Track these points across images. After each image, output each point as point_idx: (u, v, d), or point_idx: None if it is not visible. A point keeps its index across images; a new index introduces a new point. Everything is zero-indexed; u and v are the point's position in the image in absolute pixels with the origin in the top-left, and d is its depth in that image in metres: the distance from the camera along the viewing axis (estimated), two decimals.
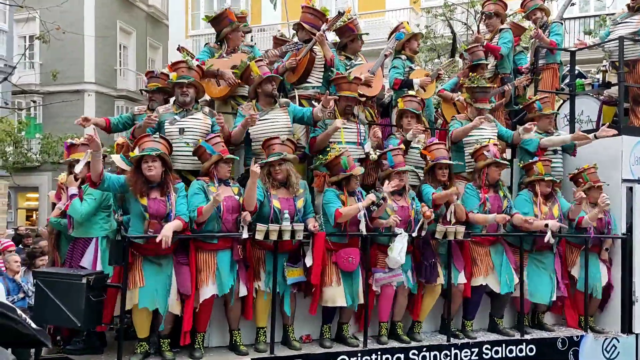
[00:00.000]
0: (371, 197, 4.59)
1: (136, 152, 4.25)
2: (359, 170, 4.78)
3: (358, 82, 5.29)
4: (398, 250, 4.65)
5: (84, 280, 3.86)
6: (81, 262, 4.47)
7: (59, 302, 3.88)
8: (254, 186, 4.29)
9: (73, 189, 4.51)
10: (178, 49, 5.94)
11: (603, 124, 6.44)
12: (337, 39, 6.04)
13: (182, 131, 4.67)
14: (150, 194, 4.20)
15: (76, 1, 18.74)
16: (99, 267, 4.43)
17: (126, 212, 4.55)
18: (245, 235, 4.29)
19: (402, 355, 4.79)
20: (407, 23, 6.38)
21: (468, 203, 5.17)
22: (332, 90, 5.28)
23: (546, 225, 5.12)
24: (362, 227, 4.60)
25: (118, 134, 5.68)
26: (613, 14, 6.78)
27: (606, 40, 6.49)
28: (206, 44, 5.84)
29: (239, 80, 5.27)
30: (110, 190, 4.30)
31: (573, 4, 7.67)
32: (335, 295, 4.59)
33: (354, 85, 5.22)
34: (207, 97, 5.50)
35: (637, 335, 5.66)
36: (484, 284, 5.18)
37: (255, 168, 4.26)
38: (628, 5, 6.37)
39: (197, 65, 4.97)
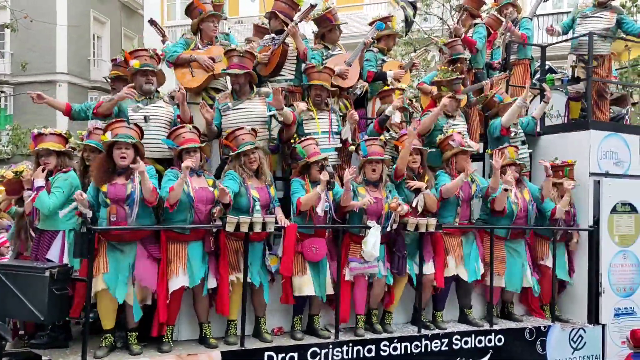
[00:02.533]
0: (323, 176, 4.52)
1: (108, 136, 4.15)
2: (316, 157, 4.73)
3: (329, 71, 5.29)
4: (372, 243, 4.65)
5: (47, 274, 3.78)
6: (47, 255, 4.37)
7: (21, 295, 3.80)
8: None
9: (40, 181, 4.39)
10: (149, 21, 5.88)
11: (573, 119, 6.57)
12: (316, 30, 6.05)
13: (147, 119, 4.62)
14: (113, 179, 4.14)
15: None
16: (65, 260, 4.34)
17: None
18: (216, 224, 4.26)
19: (373, 347, 4.81)
20: (395, 18, 6.42)
21: (441, 181, 5.23)
22: (304, 81, 5.27)
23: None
24: (319, 209, 4.56)
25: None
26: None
27: (575, 33, 6.58)
28: (183, 34, 5.77)
29: (214, 67, 5.23)
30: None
31: (546, 0, 7.76)
32: (302, 284, 4.60)
33: (324, 74, 5.22)
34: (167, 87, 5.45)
35: (603, 325, 5.78)
36: (455, 273, 5.23)
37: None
38: (599, 2, 6.46)
39: (156, 53, 4.92)
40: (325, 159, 4.76)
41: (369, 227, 4.72)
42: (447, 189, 5.13)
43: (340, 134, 5.26)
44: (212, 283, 4.34)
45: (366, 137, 5.17)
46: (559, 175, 5.72)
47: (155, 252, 4.22)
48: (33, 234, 4.57)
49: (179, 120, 4.75)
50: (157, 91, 4.87)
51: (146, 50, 4.86)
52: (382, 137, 5.13)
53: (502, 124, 5.78)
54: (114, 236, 4.12)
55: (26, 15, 10.26)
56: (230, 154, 4.55)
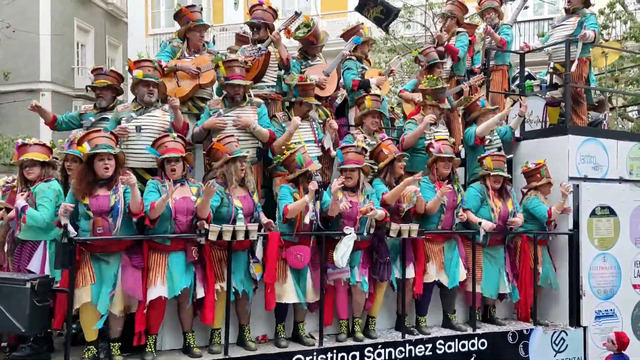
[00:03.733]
0: (312, 186, 4.55)
1: (86, 147, 4.12)
2: (315, 166, 4.80)
3: (318, 86, 5.36)
4: (342, 252, 4.63)
5: (28, 285, 3.76)
6: (28, 266, 4.35)
7: (2, 307, 3.77)
8: (207, 201, 4.22)
9: (22, 202, 4.36)
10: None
11: (551, 125, 6.69)
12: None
13: (138, 129, 4.61)
14: (95, 191, 4.11)
15: None
16: (47, 271, 4.31)
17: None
18: (203, 238, 4.27)
19: (357, 353, 4.83)
20: (365, 25, 6.48)
21: (423, 195, 5.24)
22: (295, 94, 5.30)
23: (479, 224, 5.33)
24: (306, 219, 4.59)
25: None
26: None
27: (546, 43, 6.71)
28: (169, 42, 5.72)
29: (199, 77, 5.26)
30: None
31: (526, 7, 7.89)
32: (283, 292, 4.61)
33: (313, 89, 5.31)
34: None
35: (584, 328, 5.86)
36: (436, 279, 5.28)
37: (212, 187, 4.17)
38: (565, 9, 6.59)
39: (160, 65, 4.95)
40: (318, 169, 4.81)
41: (345, 235, 4.70)
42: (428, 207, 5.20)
43: (321, 141, 5.30)
44: (200, 293, 4.32)
45: (343, 144, 5.22)
46: (537, 179, 5.79)
47: (138, 262, 4.21)
48: (8, 246, 4.55)
49: (172, 127, 4.74)
50: (158, 100, 4.86)
51: (150, 61, 4.86)
52: (359, 143, 5.15)
53: (477, 134, 5.82)
54: (99, 247, 4.11)
55: (9, 25, 10.21)
56: (225, 155, 4.49)
